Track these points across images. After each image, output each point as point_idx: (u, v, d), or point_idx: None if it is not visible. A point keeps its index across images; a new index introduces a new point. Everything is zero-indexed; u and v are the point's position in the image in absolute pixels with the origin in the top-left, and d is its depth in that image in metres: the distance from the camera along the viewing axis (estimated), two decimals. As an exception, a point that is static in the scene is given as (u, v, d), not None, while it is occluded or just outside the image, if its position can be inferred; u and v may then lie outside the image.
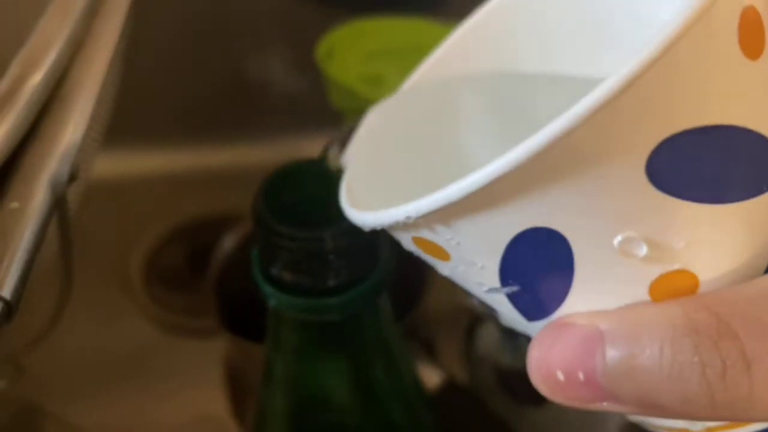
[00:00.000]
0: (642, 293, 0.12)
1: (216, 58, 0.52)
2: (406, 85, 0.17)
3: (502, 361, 0.29)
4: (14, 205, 0.12)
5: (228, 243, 0.35)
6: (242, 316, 0.32)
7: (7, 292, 0.11)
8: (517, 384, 0.30)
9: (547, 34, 0.16)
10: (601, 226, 0.11)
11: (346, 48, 0.34)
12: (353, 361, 0.19)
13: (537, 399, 0.31)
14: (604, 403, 0.12)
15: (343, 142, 0.16)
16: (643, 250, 0.11)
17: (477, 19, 0.16)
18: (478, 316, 0.29)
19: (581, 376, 0.12)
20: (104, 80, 0.16)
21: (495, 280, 0.12)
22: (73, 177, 0.14)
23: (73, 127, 0.14)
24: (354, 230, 0.15)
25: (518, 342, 0.28)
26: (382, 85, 0.31)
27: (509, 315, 0.13)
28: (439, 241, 0.12)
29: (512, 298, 0.13)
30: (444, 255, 0.13)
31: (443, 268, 0.13)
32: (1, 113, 0.13)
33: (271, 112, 0.53)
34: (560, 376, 0.12)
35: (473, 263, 0.12)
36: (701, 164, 0.11)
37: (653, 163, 0.10)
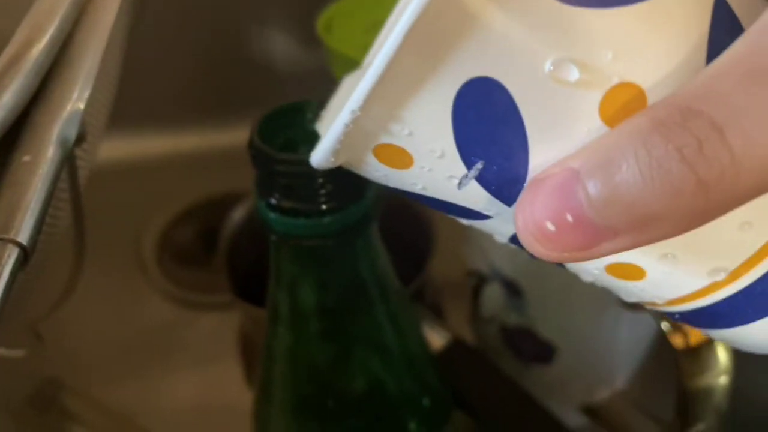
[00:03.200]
0: (597, 124, 0.12)
1: (220, 38, 0.53)
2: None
3: (508, 321, 0.30)
4: (26, 158, 0.13)
5: (237, 216, 0.36)
6: (253, 284, 0.33)
7: (23, 238, 0.12)
8: (523, 343, 0.30)
9: None
10: (526, 58, 0.11)
11: (346, 20, 0.34)
12: (351, 298, 0.20)
13: (543, 357, 0.32)
14: (603, 245, 0.11)
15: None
16: (575, 73, 0.11)
17: None
18: (484, 277, 0.30)
19: (569, 217, 0.11)
20: (108, 44, 0.16)
21: (459, 165, 0.13)
22: (81, 137, 0.15)
23: (79, 88, 0.15)
24: None
25: (523, 301, 0.28)
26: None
27: (493, 210, 0.13)
28: (395, 140, 0.13)
29: (483, 181, 0.13)
30: (407, 158, 0.13)
31: (412, 178, 0.13)
32: (10, 74, 0.13)
33: (276, 89, 0.53)
34: (550, 226, 0.11)
35: (432, 152, 0.13)
36: None
37: None
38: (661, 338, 0.29)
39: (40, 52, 0.14)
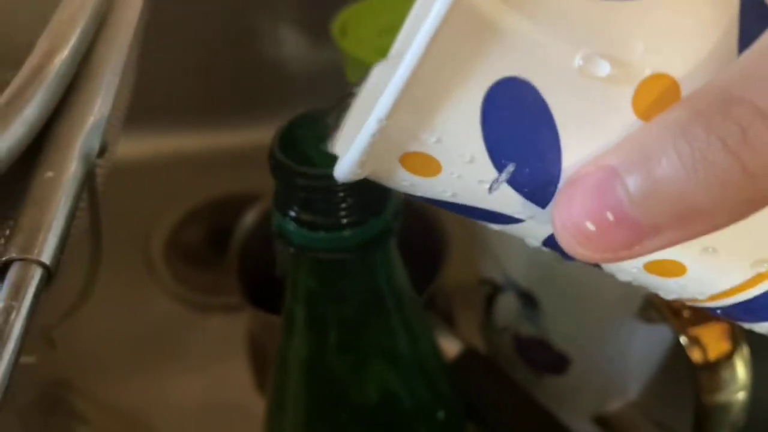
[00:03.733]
0: (631, 119, 0.11)
1: (232, 38, 0.53)
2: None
3: (522, 331, 0.29)
4: (49, 174, 0.13)
5: (249, 219, 0.35)
6: (264, 290, 0.33)
7: (46, 258, 0.12)
8: (536, 353, 0.30)
9: None
10: (554, 56, 0.11)
11: (361, 23, 0.34)
12: (369, 310, 0.20)
13: (556, 368, 0.32)
14: (646, 242, 0.11)
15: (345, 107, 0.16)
16: (605, 67, 0.11)
17: None
18: (498, 286, 0.29)
19: (610, 216, 0.11)
20: (128, 57, 0.16)
21: (490, 169, 0.12)
22: (103, 150, 0.15)
23: (101, 101, 0.15)
24: None
25: (538, 311, 0.28)
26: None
27: (526, 213, 0.13)
28: (423, 148, 0.12)
29: (516, 184, 0.12)
30: (435, 165, 0.12)
31: (441, 186, 0.13)
32: (32, 87, 0.13)
33: (289, 91, 0.53)
34: (590, 226, 0.11)
35: (461, 157, 0.12)
36: None
37: None
38: (676, 350, 0.29)
39: (62, 63, 0.14)
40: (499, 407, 0.27)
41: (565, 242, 0.12)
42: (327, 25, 0.35)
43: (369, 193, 0.17)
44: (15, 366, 0.12)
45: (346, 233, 0.17)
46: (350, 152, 0.12)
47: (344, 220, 0.17)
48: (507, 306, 0.29)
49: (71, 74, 0.14)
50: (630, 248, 0.11)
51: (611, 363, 0.29)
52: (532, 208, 0.13)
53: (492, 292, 0.30)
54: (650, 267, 0.14)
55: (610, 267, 0.14)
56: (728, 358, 0.23)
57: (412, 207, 0.38)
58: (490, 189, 0.12)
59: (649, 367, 0.31)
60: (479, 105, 0.11)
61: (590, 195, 0.11)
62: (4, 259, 0.12)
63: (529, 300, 0.28)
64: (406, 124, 0.12)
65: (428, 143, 0.12)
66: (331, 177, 0.16)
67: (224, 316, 0.43)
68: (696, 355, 0.23)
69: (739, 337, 0.23)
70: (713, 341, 0.24)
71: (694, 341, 0.23)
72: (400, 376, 0.22)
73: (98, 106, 0.14)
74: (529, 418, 0.27)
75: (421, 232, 0.36)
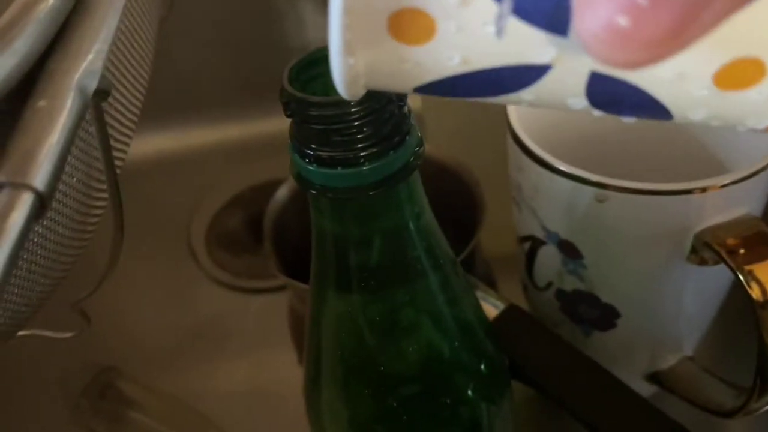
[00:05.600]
0: None
1: (257, 27, 0.53)
2: None
3: (565, 286, 0.28)
4: (41, 103, 0.12)
5: (281, 194, 0.35)
6: (300, 263, 0.32)
7: (39, 184, 0.12)
8: (582, 309, 0.28)
9: None
10: None
11: None
12: (398, 256, 0.19)
13: (605, 323, 0.30)
14: (699, 17, 0.09)
15: None
16: None
17: None
18: (538, 241, 0.28)
19: (643, 0, 0.09)
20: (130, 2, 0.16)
21: (487, 3, 0.11)
22: (106, 91, 0.14)
23: (101, 38, 0.14)
24: (379, 98, 0.15)
25: (581, 263, 0.26)
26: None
27: (551, 52, 0.11)
28: (407, 2, 0.11)
29: (524, 13, 0.11)
30: (427, 21, 0.11)
31: (444, 50, 0.12)
32: (24, 19, 0.13)
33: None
34: (623, 21, 0.09)
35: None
36: None
37: None
38: (732, 298, 0.27)
39: (56, -1, 0.13)
40: (546, 364, 0.26)
41: (603, 54, 0.10)
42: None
43: (386, 123, 0.17)
44: (1, 296, 0.12)
45: (366, 168, 0.17)
46: (331, 36, 0.11)
47: (362, 154, 0.16)
48: (548, 260, 0.28)
49: (66, 11, 0.14)
50: (681, 31, 0.09)
51: (663, 314, 0.28)
52: (554, 41, 0.11)
53: (532, 247, 0.29)
54: (722, 79, 0.11)
55: (677, 104, 0.12)
56: (791, 294, 0.22)
57: (446, 173, 0.37)
58: (498, 29, 0.11)
59: (704, 318, 0.29)
60: None
61: None
62: (-6, 184, 0.11)
63: (571, 251, 0.26)
64: None
65: None
66: (344, 104, 0.16)
67: (266, 298, 0.43)
68: (756, 293, 0.22)
69: (801, 271, 0.22)
70: (773, 278, 0.22)
71: (753, 278, 0.22)
72: (438, 327, 0.22)
73: (97, 45, 0.14)
74: (580, 374, 0.26)
75: (457, 198, 0.35)
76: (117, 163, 0.20)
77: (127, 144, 0.23)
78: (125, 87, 0.21)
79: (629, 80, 0.12)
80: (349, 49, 0.12)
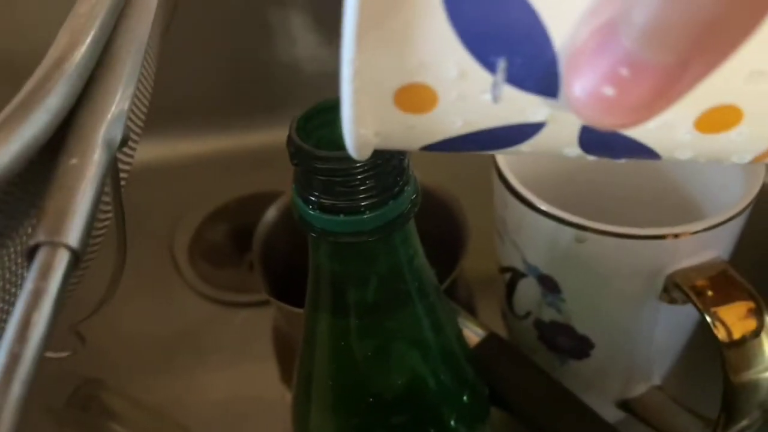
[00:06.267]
0: None
1: (247, 40, 0.53)
2: None
3: (543, 317, 0.29)
4: (73, 161, 0.13)
5: (271, 214, 0.36)
6: (288, 284, 0.33)
7: (73, 241, 0.12)
8: (559, 339, 0.30)
9: None
10: None
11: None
12: (391, 294, 0.20)
13: (579, 352, 0.32)
14: (674, 82, 0.10)
15: None
16: None
17: None
18: (518, 273, 0.29)
19: (624, 71, 0.10)
20: (146, 48, 0.16)
21: (483, 74, 0.12)
22: (125, 140, 0.15)
23: (122, 91, 0.15)
24: (382, 154, 0.16)
25: (560, 296, 0.28)
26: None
27: (543, 111, 0.12)
28: (408, 77, 0.12)
29: (516, 80, 0.12)
30: (429, 93, 0.12)
31: (446, 116, 0.12)
32: (54, 77, 0.14)
33: (308, 91, 0.54)
34: (608, 91, 0.10)
35: (449, 71, 0.12)
36: None
37: None
38: (699, 333, 0.29)
39: (83, 54, 0.14)
40: (523, 391, 0.27)
41: (591, 118, 0.11)
42: (341, 25, 0.35)
43: (387, 176, 0.18)
44: (44, 349, 0.12)
45: (366, 216, 0.18)
46: (343, 109, 0.12)
47: (363, 203, 0.17)
48: (528, 291, 0.29)
49: (92, 66, 0.15)
50: (660, 96, 0.10)
51: (635, 347, 0.29)
52: (545, 103, 0.12)
53: (512, 278, 0.30)
54: (703, 124, 0.12)
55: (663, 145, 0.13)
56: (755, 336, 0.23)
57: (432, 199, 0.38)
58: (494, 97, 0.12)
59: (674, 351, 0.31)
60: (440, 5, 0.11)
61: (595, 57, 0.10)
62: (32, 243, 0.12)
63: (550, 285, 0.28)
64: (378, 56, 0.11)
65: (410, 69, 0.12)
66: (349, 159, 0.17)
67: (249, 313, 0.44)
68: (722, 334, 0.23)
69: (764, 315, 0.23)
70: (738, 320, 0.23)
71: (719, 320, 0.23)
72: (424, 359, 0.23)
73: (119, 96, 0.15)
74: (554, 402, 0.27)
75: (441, 224, 0.36)
76: (121, 183, 0.21)
77: (129, 163, 0.23)
78: (133, 112, 0.22)
79: (618, 131, 0.13)
80: (360, 121, 0.13)
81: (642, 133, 0.13)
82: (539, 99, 0.12)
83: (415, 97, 0.12)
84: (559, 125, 0.13)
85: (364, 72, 0.11)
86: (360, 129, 0.13)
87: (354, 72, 0.11)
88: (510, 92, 0.12)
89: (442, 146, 0.14)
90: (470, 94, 0.12)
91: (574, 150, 0.13)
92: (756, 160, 0.13)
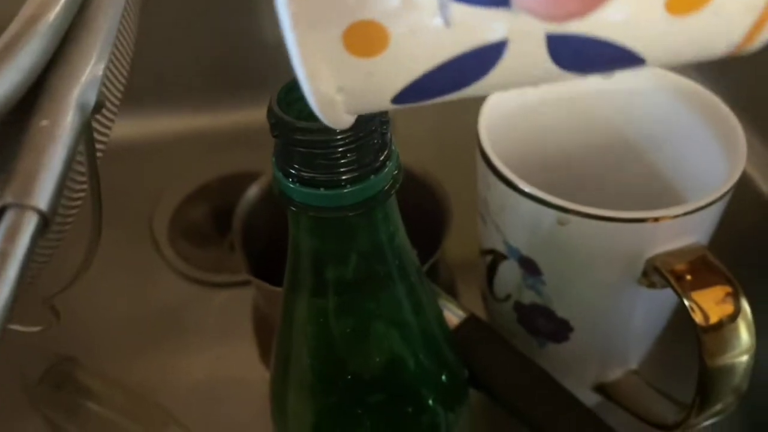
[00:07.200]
0: None
1: (233, 18, 0.53)
2: None
3: (524, 300, 0.29)
4: (44, 123, 0.13)
5: (252, 193, 0.35)
6: (268, 264, 0.33)
7: (42, 204, 0.12)
8: (538, 322, 0.30)
9: None
10: None
11: None
12: (371, 272, 0.20)
13: (558, 336, 0.32)
14: None
15: None
16: None
17: None
18: (499, 255, 0.29)
19: None
20: (123, 14, 0.16)
21: None
22: (100, 104, 0.15)
23: (97, 54, 0.14)
24: (363, 126, 0.16)
25: (539, 279, 0.28)
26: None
27: (502, 27, 0.12)
28: (352, 15, 0.11)
29: None
30: (378, 30, 0.12)
31: (404, 57, 0.12)
32: (26, 36, 0.13)
33: (289, 68, 0.53)
34: None
35: (392, 2, 0.11)
36: None
37: None
38: (677, 318, 0.29)
39: (56, 14, 0.14)
40: (501, 374, 0.27)
41: (544, 12, 0.11)
42: None
43: (369, 150, 0.17)
44: (9, 315, 0.12)
45: (347, 190, 0.17)
46: (295, 66, 0.12)
47: (344, 177, 0.17)
48: (509, 274, 0.29)
49: (66, 26, 0.14)
50: None
51: (613, 330, 0.29)
52: (501, 16, 0.11)
53: (494, 260, 0.30)
54: (673, 4, 0.11)
55: (642, 42, 0.12)
56: (732, 320, 0.23)
57: (415, 181, 0.38)
58: (445, 20, 0.11)
59: (651, 335, 0.31)
60: None
61: None
62: (0, 204, 0.12)
63: (530, 267, 0.28)
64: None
65: (351, 6, 0.11)
66: (329, 130, 0.16)
67: (229, 293, 0.43)
68: (699, 317, 0.23)
69: (741, 299, 0.23)
70: (716, 304, 0.23)
71: (697, 304, 0.23)
72: (403, 339, 0.22)
73: (94, 59, 0.14)
74: (533, 384, 0.27)
75: (424, 206, 0.36)
76: (98, 154, 0.20)
77: (106, 135, 0.23)
78: (110, 80, 0.22)
79: (586, 34, 0.12)
80: (316, 76, 0.12)
81: (612, 30, 0.12)
82: (492, 12, 0.11)
83: (364, 38, 0.12)
84: (522, 40, 0.12)
85: (302, 17, 0.11)
86: (318, 85, 0.12)
87: (293, 18, 0.11)
88: (461, 11, 0.11)
89: (410, 94, 0.13)
90: (420, 24, 0.12)
91: (549, 68, 0.13)
92: (747, 41, 0.12)
